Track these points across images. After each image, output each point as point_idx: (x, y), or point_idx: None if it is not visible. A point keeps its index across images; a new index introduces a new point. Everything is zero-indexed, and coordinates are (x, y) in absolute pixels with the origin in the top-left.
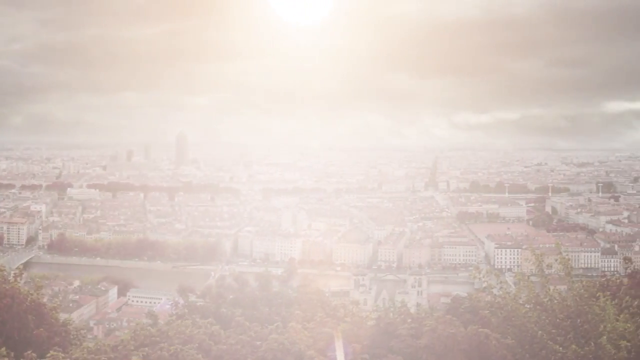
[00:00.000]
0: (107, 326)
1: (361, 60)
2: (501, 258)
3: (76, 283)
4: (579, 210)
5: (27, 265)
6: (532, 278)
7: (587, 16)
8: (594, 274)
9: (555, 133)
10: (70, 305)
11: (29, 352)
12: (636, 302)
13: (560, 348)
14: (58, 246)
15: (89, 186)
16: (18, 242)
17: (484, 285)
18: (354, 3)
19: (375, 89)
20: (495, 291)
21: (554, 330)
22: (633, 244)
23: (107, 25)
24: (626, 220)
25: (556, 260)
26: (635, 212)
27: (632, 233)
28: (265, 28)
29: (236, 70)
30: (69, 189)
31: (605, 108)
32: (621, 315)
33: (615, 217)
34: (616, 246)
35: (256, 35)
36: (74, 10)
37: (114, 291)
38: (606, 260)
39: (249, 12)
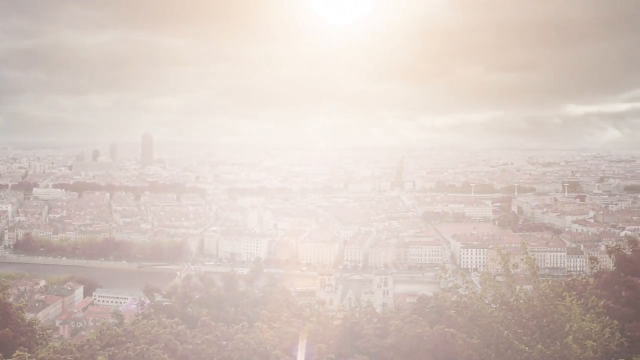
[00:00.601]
0: (74, 326)
1: (325, 63)
2: (467, 258)
3: (42, 283)
4: (545, 210)
5: None
6: (499, 278)
7: (530, 26)
8: (560, 274)
9: (518, 134)
10: (37, 305)
11: None
12: (602, 303)
13: (527, 348)
14: (24, 246)
15: (55, 186)
16: None
17: (451, 285)
18: (318, 10)
19: (339, 91)
20: (461, 291)
21: (520, 330)
22: (599, 243)
23: (69, 33)
24: (592, 220)
25: (522, 260)
26: (601, 212)
27: (598, 233)
28: (234, 33)
29: (202, 73)
30: (35, 189)
31: (563, 111)
32: (587, 316)
33: (581, 217)
34: (582, 246)
35: (223, 40)
36: (35, 20)
37: (80, 291)
38: (572, 260)
39: (207, 19)
